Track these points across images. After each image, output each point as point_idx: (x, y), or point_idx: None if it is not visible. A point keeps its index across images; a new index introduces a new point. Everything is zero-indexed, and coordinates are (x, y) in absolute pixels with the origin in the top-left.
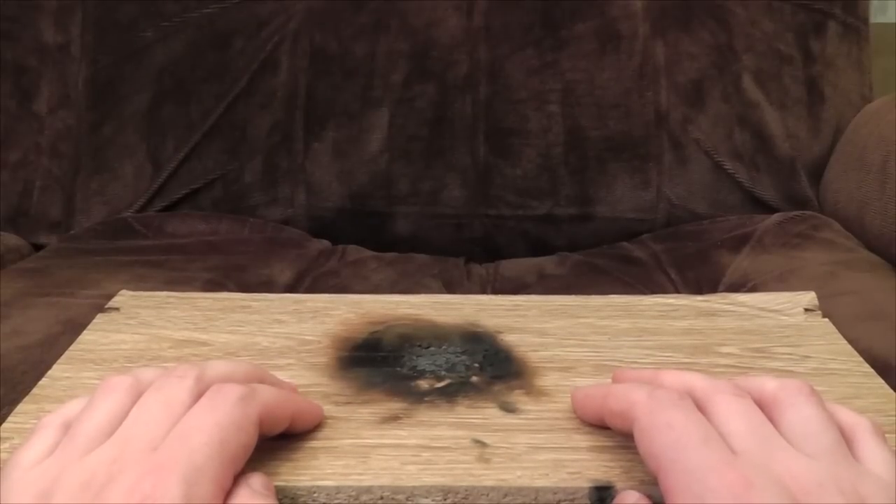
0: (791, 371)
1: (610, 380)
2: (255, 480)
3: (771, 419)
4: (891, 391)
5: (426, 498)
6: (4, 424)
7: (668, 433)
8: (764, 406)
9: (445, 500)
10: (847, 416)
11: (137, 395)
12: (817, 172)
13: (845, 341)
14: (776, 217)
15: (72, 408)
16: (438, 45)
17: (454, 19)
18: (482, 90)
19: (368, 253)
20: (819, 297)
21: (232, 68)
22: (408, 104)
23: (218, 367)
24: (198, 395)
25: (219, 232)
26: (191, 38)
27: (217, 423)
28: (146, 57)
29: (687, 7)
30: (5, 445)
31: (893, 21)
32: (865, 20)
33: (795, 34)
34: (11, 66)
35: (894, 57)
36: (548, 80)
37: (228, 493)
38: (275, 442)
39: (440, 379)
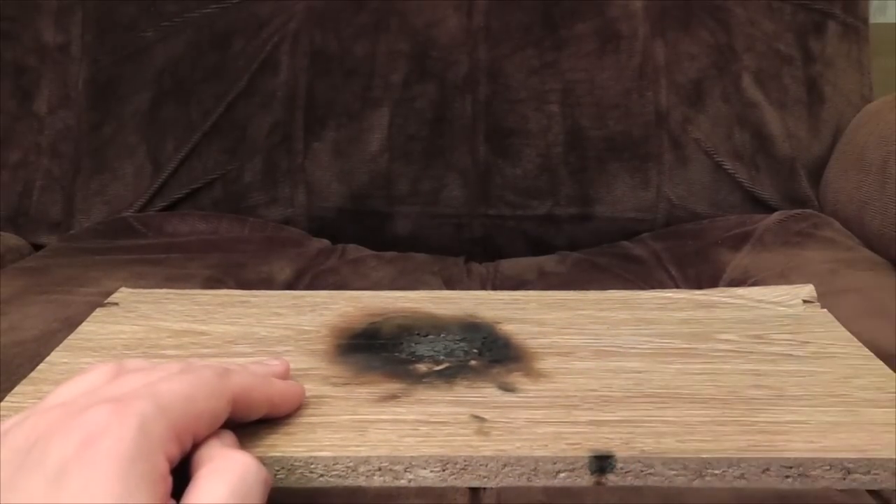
0: (791, 355)
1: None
2: (228, 438)
3: None
4: (890, 371)
5: (424, 469)
6: (2, 403)
7: None
8: None
9: (444, 470)
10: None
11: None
12: (817, 172)
13: (844, 329)
14: (777, 215)
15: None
16: (438, 45)
17: (454, 19)
18: (482, 90)
19: (368, 251)
20: (820, 295)
21: (232, 68)
22: (408, 104)
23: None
24: None
25: (219, 231)
26: (191, 38)
27: (189, 381)
28: (146, 57)
29: (687, 7)
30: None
31: (893, 21)
32: (865, 20)
33: (795, 34)
34: (11, 66)
35: (894, 57)
36: (548, 80)
37: (198, 445)
38: (269, 419)
39: (439, 363)
